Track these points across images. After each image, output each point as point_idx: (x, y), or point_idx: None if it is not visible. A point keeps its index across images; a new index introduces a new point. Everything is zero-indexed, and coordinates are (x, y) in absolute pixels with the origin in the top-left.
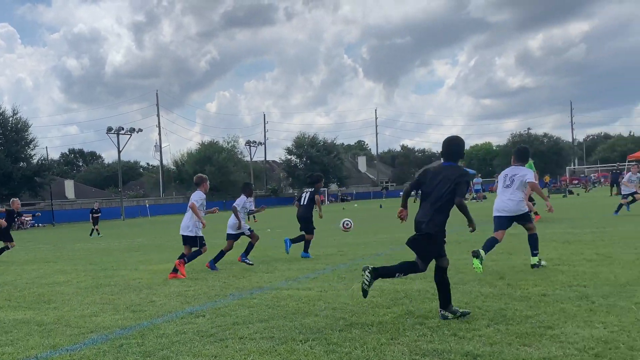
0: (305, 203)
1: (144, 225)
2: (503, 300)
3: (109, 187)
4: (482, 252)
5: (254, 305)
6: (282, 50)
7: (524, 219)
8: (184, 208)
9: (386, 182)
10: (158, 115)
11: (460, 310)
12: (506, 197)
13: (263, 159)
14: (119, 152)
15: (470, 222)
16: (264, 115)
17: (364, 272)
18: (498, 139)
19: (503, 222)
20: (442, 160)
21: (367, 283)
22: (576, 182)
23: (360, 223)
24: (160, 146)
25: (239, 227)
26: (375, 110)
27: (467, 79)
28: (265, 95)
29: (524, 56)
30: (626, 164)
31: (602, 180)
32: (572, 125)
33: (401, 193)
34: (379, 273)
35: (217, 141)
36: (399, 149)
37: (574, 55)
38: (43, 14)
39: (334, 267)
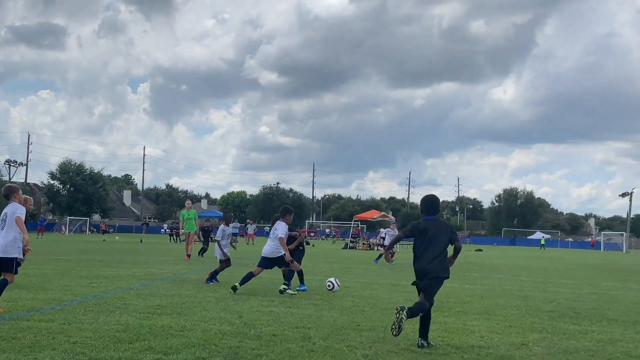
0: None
1: None
2: (238, 338)
3: None
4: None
5: None
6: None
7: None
8: None
9: (148, 218)
10: None
11: (431, 343)
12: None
13: (24, 180)
14: None
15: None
16: (29, 135)
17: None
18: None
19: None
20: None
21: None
22: (312, 234)
23: (118, 255)
24: None
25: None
26: (144, 147)
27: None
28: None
29: None
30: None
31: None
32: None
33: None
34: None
35: None
36: (164, 187)
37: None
38: None
39: (82, 298)
